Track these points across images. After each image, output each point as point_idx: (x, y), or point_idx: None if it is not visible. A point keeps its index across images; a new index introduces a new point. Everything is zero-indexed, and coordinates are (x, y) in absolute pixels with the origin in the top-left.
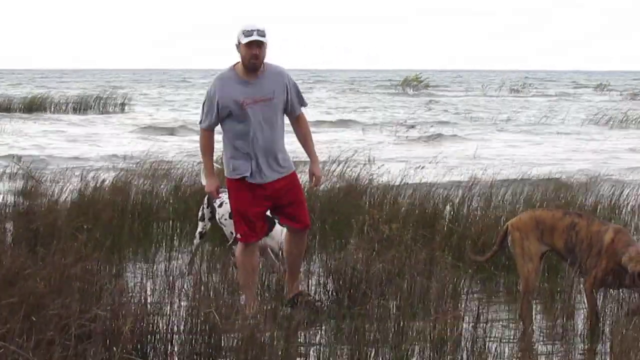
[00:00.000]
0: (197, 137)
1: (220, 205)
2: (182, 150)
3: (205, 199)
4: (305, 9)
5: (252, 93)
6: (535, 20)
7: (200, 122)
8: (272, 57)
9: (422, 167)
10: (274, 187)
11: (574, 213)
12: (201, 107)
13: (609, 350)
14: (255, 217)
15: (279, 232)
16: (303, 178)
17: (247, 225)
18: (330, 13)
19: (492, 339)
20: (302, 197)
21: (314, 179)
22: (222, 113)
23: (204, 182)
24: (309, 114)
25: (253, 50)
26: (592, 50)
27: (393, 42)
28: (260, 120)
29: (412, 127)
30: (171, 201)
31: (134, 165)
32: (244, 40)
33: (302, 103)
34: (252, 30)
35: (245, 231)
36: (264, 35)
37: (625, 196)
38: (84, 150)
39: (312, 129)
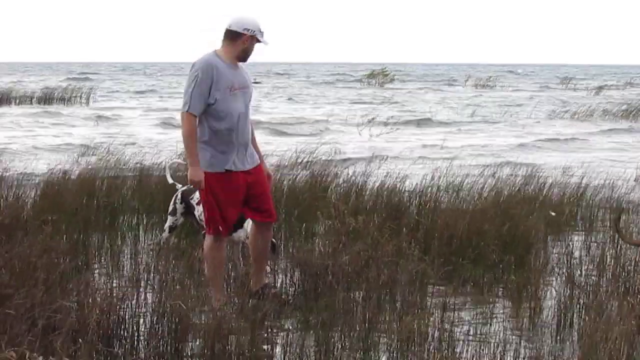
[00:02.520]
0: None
1: (199, 203)
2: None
3: (179, 193)
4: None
5: (237, 80)
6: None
7: (188, 107)
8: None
9: (386, 159)
10: (247, 176)
11: None
12: (188, 92)
13: (577, 344)
14: (231, 209)
15: (247, 223)
16: None
17: (222, 218)
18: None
19: (459, 331)
20: (268, 189)
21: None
22: (211, 98)
23: (169, 180)
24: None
25: (254, 48)
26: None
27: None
28: (240, 108)
29: (374, 119)
30: (137, 193)
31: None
32: (261, 38)
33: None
34: (263, 32)
35: (218, 224)
36: None
37: (591, 188)
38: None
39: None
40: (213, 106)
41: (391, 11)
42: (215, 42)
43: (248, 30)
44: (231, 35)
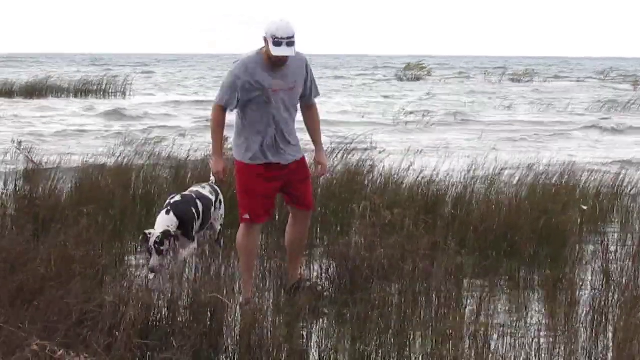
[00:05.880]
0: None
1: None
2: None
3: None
4: None
5: (277, 82)
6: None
7: (218, 100)
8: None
9: (421, 151)
10: (288, 169)
11: None
12: (221, 86)
13: (612, 338)
14: (267, 196)
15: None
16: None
17: (257, 204)
18: None
19: (494, 326)
20: (309, 179)
21: (319, 167)
22: (243, 96)
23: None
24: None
25: (280, 58)
26: None
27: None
28: (281, 107)
29: (411, 113)
30: (173, 185)
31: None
32: (270, 45)
33: (317, 93)
34: (282, 40)
35: (254, 211)
36: (293, 44)
37: (627, 183)
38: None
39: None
40: (249, 103)
41: (413, 3)
42: (215, 42)
43: (265, 34)
44: (264, 41)
